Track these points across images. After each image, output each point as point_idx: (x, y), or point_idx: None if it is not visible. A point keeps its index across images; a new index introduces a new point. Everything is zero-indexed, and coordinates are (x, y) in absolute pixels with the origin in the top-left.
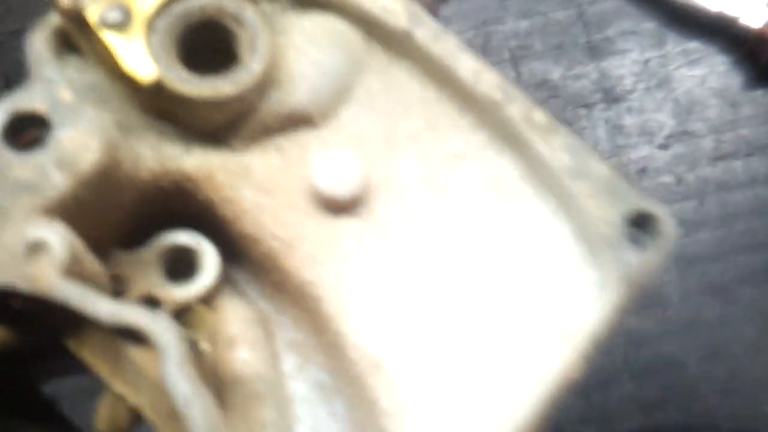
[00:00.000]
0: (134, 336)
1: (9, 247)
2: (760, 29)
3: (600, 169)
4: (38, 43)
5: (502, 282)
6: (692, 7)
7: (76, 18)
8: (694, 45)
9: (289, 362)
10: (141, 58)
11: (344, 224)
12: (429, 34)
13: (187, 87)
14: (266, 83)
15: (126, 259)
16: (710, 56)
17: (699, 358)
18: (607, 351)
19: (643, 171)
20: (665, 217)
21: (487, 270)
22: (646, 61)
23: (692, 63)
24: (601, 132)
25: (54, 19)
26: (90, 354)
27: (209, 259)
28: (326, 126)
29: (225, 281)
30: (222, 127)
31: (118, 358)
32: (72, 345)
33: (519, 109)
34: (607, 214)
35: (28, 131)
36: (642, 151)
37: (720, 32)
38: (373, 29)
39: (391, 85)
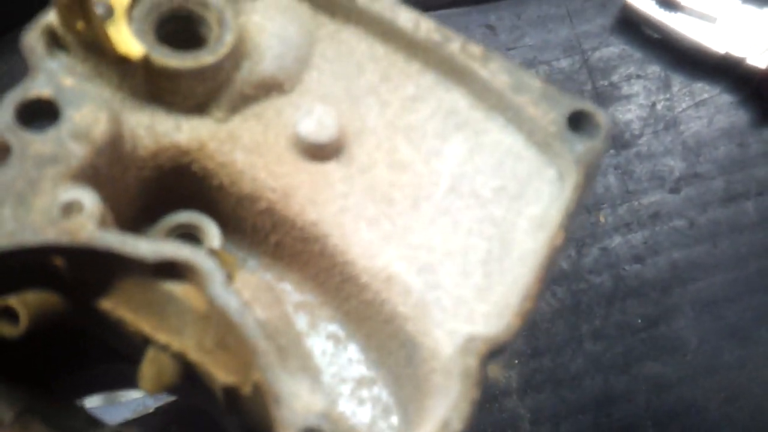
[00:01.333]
0: (174, 272)
1: (44, 211)
2: (766, 69)
3: (534, 82)
4: (32, 41)
5: (478, 191)
6: (698, 49)
7: (78, 3)
8: (699, 86)
9: (300, 322)
10: (129, 40)
11: (330, 169)
12: None
13: (173, 60)
14: (238, 53)
15: None
16: (716, 96)
17: (720, 401)
18: (628, 398)
19: (655, 216)
20: (598, 110)
21: (462, 185)
22: (653, 105)
23: (699, 104)
24: (612, 178)
25: (44, 20)
26: (129, 311)
27: (210, 231)
28: (294, 91)
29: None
30: (205, 98)
31: (160, 308)
32: (110, 306)
33: (457, 45)
34: (550, 116)
35: (38, 118)
36: (653, 196)
37: (725, 73)
38: (318, 1)
39: (343, 48)
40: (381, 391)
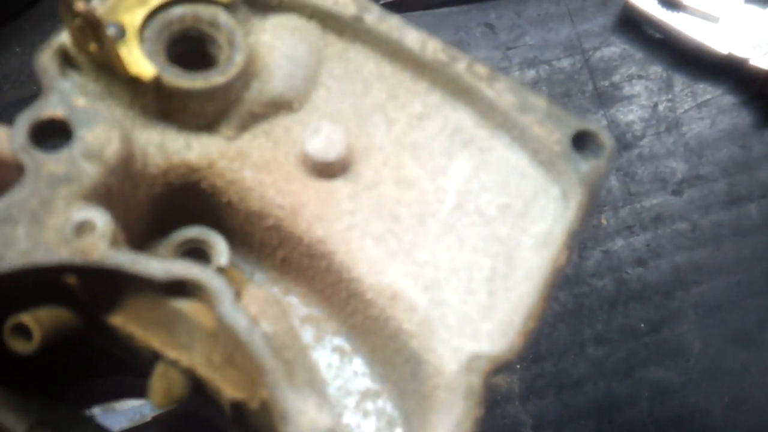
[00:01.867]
0: (184, 291)
1: (57, 230)
2: None
3: (539, 101)
4: (45, 61)
5: (483, 209)
6: (700, 49)
7: (90, 20)
8: (702, 87)
9: (306, 335)
10: (140, 61)
11: (337, 186)
12: (375, 17)
13: (184, 81)
14: (247, 73)
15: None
16: (719, 97)
17: (723, 406)
18: (631, 403)
19: (657, 218)
20: (602, 131)
21: (468, 202)
22: (655, 106)
23: (701, 105)
24: (614, 180)
25: (57, 40)
26: (139, 327)
27: (219, 246)
28: (302, 109)
29: (246, 283)
30: (215, 117)
31: (169, 324)
32: (120, 322)
33: (463, 65)
34: (554, 136)
35: (51, 137)
36: (655, 198)
37: (728, 73)
38: (326, 21)
39: (350, 67)
40: (386, 404)
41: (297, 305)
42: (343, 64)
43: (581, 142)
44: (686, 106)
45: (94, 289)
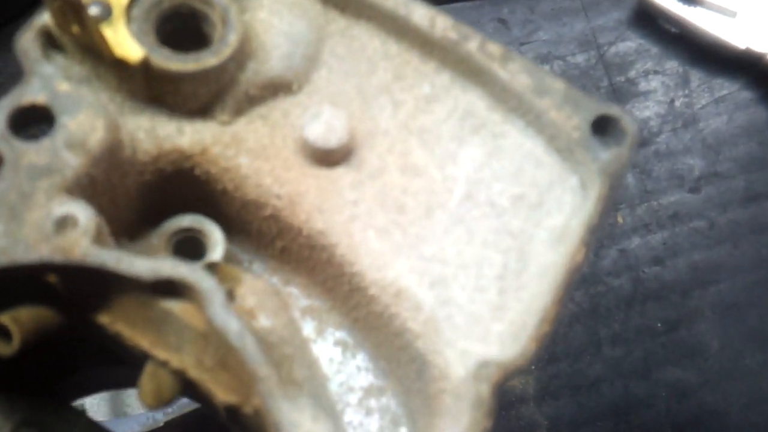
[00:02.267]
0: (172, 290)
1: (37, 225)
2: None
3: (557, 84)
4: (27, 43)
5: (495, 200)
6: (717, 44)
7: (72, 4)
8: (719, 82)
9: (307, 328)
10: (127, 42)
11: (339, 174)
12: None
13: (174, 63)
14: (242, 54)
15: (134, 248)
16: (736, 93)
17: (741, 406)
18: (648, 404)
19: (674, 216)
20: (624, 116)
21: (479, 192)
22: (671, 101)
23: (718, 101)
24: (630, 178)
25: (39, 21)
26: (127, 327)
27: (214, 235)
28: (302, 91)
29: (232, 260)
30: (208, 101)
31: (158, 324)
32: (107, 321)
33: (475, 44)
34: (573, 121)
35: (32, 125)
36: (672, 196)
37: (745, 68)
38: None
39: (354, 45)
40: (390, 401)
41: (298, 296)
42: (347, 42)
43: (601, 127)
44: (703, 102)
45: (78, 288)
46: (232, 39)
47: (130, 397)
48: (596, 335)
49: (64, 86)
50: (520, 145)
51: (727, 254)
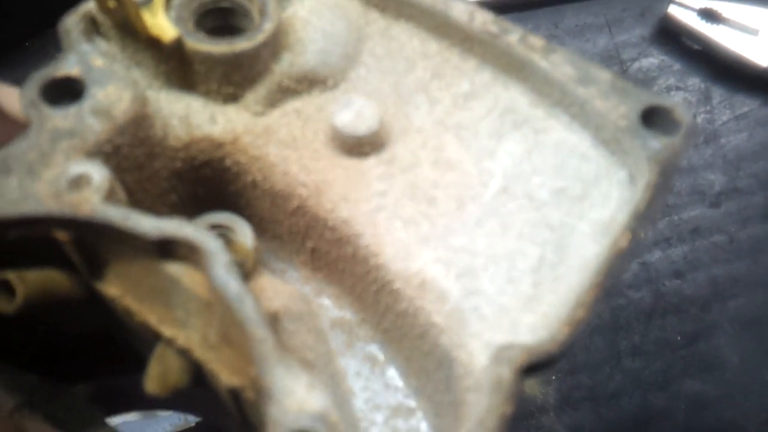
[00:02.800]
0: (177, 252)
1: (51, 182)
2: None
3: (603, 74)
4: (70, 25)
5: (534, 193)
6: (739, 62)
7: None
8: (740, 99)
9: (336, 340)
10: (163, 23)
11: (369, 165)
12: None
13: (206, 45)
14: (277, 44)
15: None
16: (756, 110)
17: (760, 421)
18: (667, 417)
19: (695, 231)
20: (678, 106)
21: (516, 186)
22: (693, 117)
23: (739, 117)
24: None
25: (84, 7)
26: (135, 301)
27: (243, 230)
28: (338, 88)
29: (264, 265)
30: (241, 87)
31: (165, 296)
32: (117, 293)
33: (516, 36)
34: (620, 110)
35: (63, 96)
36: (693, 211)
37: (766, 86)
38: None
39: (393, 45)
40: (419, 424)
41: (329, 307)
42: (386, 42)
43: (652, 118)
44: (724, 119)
45: (87, 247)
46: (267, 27)
47: None
48: (616, 347)
49: (98, 62)
50: (564, 139)
51: (747, 269)
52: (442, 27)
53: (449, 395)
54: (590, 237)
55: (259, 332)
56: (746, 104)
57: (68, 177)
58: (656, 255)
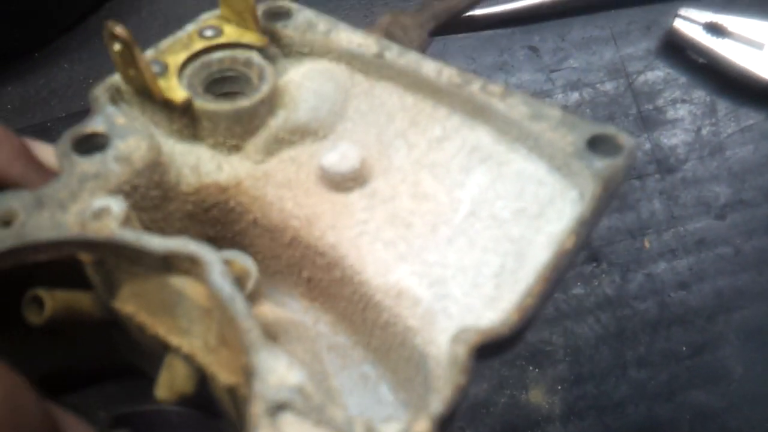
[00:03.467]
0: (181, 266)
1: (78, 214)
2: None
3: (553, 111)
4: (98, 93)
5: (498, 214)
6: (744, 75)
7: (126, 41)
8: (745, 111)
9: (332, 363)
10: (175, 88)
11: (353, 199)
12: (395, 53)
13: (213, 104)
14: (273, 103)
15: None
16: (761, 122)
17: (764, 431)
18: (673, 427)
19: (701, 242)
20: (620, 133)
21: (482, 209)
22: (698, 130)
23: (744, 130)
24: (657, 204)
25: (110, 79)
26: (148, 315)
27: (246, 261)
28: (328, 138)
29: (266, 297)
30: (242, 139)
31: (172, 308)
32: (132, 310)
33: (477, 85)
34: (568, 139)
35: (91, 149)
36: (699, 222)
37: None
38: (353, 62)
39: (375, 102)
40: None
41: (326, 334)
42: (369, 100)
43: (597, 145)
44: (729, 131)
45: (105, 269)
46: (264, 88)
47: None
48: (622, 358)
49: (121, 120)
50: (524, 169)
51: (752, 281)
52: (415, 83)
53: (426, 395)
54: (545, 246)
55: (247, 323)
56: (751, 117)
57: (92, 209)
58: (661, 266)
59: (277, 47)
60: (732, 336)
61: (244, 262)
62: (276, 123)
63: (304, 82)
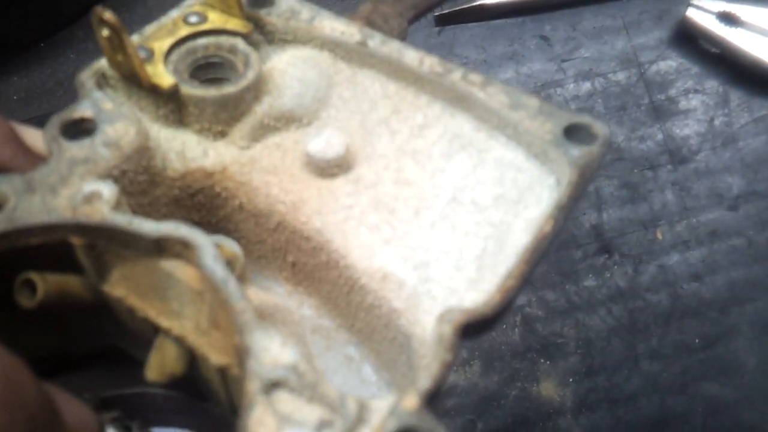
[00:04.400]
0: (173, 250)
1: (69, 198)
2: None
3: (531, 100)
4: (84, 78)
5: (478, 200)
6: (757, 65)
7: (115, 28)
8: (758, 102)
9: (317, 345)
10: (162, 74)
11: (338, 185)
12: (378, 42)
13: (199, 90)
14: (258, 89)
15: None
16: None
17: None
18: (685, 419)
19: (713, 234)
20: (595, 122)
21: (463, 195)
22: (711, 120)
23: (757, 120)
24: (670, 195)
25: (97, 63)
26: (138, 298)
27: (232, 245)
28: (312, 125)
29: (251, 281)
30: (228, 125)
31: (163, 291)
32: (122, 293)
33: (458, 75)
34: (546, 127)
35: (79, 133)
36: (711, 214)
37: None
38: (336, 50)
39: (358, 89)
40: None
41: (310, 317)
42: (352, 87)
43: (573, 133)
44: (742, 121)
45: (96, 252)
46: (250, 75)
47: None
48: (634, 350)
49: (108, 105)
50: (503, 156)
51: (765, 272)
52: (397, 71)
53: (411, 374)
54: (524, 230)
55: (241, 305)
56: (765, 107)
57: (83, 194)
58: (674, 258)
59: (261, 34)
60: (745, 328)
61: (230, 246)
62: (261, 109)
63: (289, 69)
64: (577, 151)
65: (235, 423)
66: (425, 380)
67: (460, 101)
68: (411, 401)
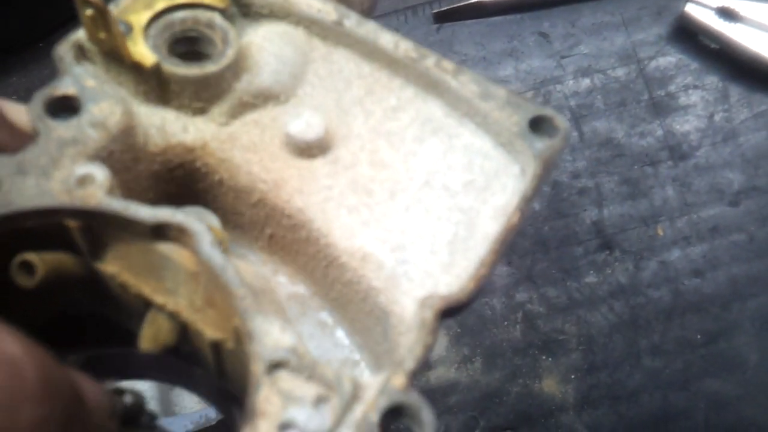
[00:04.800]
0: (169, 235)
1: (62, 181)
2: None
3: (500, 91)
4: (63, 51)
5: (449, 185)
6: (756, 60)
7: (100, 8)
8: (758, 97)
9: (292, 310)
10: (143, 51)
11: (317, 165)
12: (354, 22)
13: (180, 69)
14: (238, 67)
15: None
16: None
17: None
18: (687, 415)
19: (714, 229)
20: (556, 115)
21: (435, 180)
22: (711, 116)
23: (757, 116)
24: (670, 190)
25: (74, 36)
26: (132, 276)
27: (211, 221)
28: (289, 102)
29: (229, 251)
30: (208, 103)
31: (158, 270)
32: (116, 270)
33: (432, 61)
34: (513, 119)
35: (63, 111)
36: (712, 209)
37: None
38: (312, 27)
39: (333, 67)
40: (363, 371)
41: (285, 284)
42: (327, 65)
43: (538, 125)
44: (742, 117)
45: (92, 233)
46: (230, 53)
47: (179, 396)
48: (636, 346)
49: (90, 82)
50: (472, 142)
51: (766, 268)
52: (372, 53)
53: (385, 344)
54: (491, 217)
55: (241, 291)
56: (765, 102)
57: (76, 177)
58: (675, 254)
59: (236, 6)
60: (747, 324)
61: (209, 219)
62: (240, 87)
63: (265, 45)
64: (541, 144)
65: (221, 386)
66: (410, 361)
67: (432, 87)
68: (399, 380)
